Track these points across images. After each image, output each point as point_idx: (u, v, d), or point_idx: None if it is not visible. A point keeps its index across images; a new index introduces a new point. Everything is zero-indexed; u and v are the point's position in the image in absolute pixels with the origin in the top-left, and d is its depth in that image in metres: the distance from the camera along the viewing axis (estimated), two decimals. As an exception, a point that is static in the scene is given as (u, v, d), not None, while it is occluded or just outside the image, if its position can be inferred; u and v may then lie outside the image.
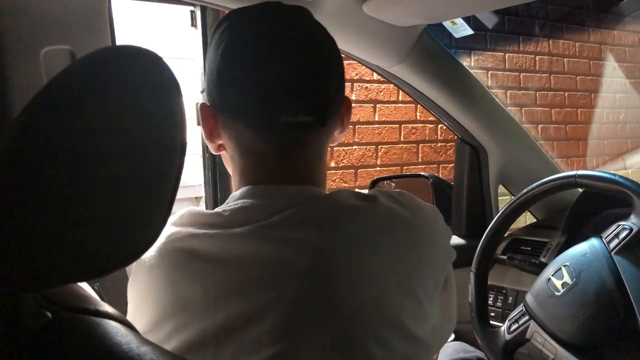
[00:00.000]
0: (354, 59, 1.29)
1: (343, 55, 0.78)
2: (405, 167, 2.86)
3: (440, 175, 2.59)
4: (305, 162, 0.71)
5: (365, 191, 0.74)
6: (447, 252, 0.75)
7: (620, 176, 1.01)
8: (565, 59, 3.59)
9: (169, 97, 0.47)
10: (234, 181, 0.74)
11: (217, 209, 0.69)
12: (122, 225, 0.42)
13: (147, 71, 0.48)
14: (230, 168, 0.75)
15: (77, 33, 0.82)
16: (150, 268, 0.68)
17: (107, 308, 0.47)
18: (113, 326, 0.44)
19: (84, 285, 0.60)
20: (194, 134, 1.81)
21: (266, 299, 0.60)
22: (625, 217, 1.02)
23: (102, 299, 0.54)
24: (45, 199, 0.40)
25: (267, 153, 0.70)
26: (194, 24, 2.35)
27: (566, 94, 3.58)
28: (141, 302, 0.68)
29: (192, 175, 2.43)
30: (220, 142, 0.73)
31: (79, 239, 0.40)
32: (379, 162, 2.80)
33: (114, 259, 0.42)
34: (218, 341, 0.62)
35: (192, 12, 2.35)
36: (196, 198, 2.67)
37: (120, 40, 0.92)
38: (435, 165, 2.98)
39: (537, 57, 3.44)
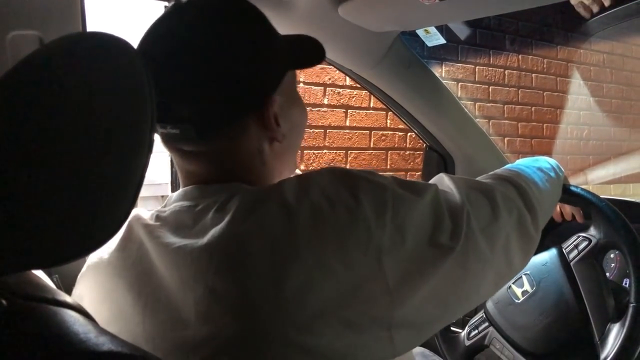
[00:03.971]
0: (327, 62, 1.30)
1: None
2: (373, 173, 2.88)
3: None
4: (206, 170, 0.70)
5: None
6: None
7: (581, 189, 1.04)
8: (533, 74, 3.67)
9: (138, 87, 0.46)
10: None
11: (158, 210, 0.70)
12: (84, 216, 0.41)
13: (117, 59, 0.47)
14: None
15: (46, 19, 0.80)
16: (96, 270, 0.69)
17: (65, 298, 0.46)
18: (71, 315, 0.43)
19: (42, 276, 0.59)
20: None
21: (189, 303, 0.60)
22: (585, 228, 1.05)
23: (60, 289, 0.53)
24: (4, 184, 0.39)
25: (176, 160, 0.72)
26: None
27: (533, 108, 3.66)
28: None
29: (159, 173, 2.39)
30: None
31: (38, 226, 0.40)
32: (348, 167, 2.81)
33: (73, 248, 0.41)
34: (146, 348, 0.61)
35: (166, 7, 2.31)
36: (162, 197, 2.62)
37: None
38: (403, 173, 3.00)
39: (506, 71, 3.51)
